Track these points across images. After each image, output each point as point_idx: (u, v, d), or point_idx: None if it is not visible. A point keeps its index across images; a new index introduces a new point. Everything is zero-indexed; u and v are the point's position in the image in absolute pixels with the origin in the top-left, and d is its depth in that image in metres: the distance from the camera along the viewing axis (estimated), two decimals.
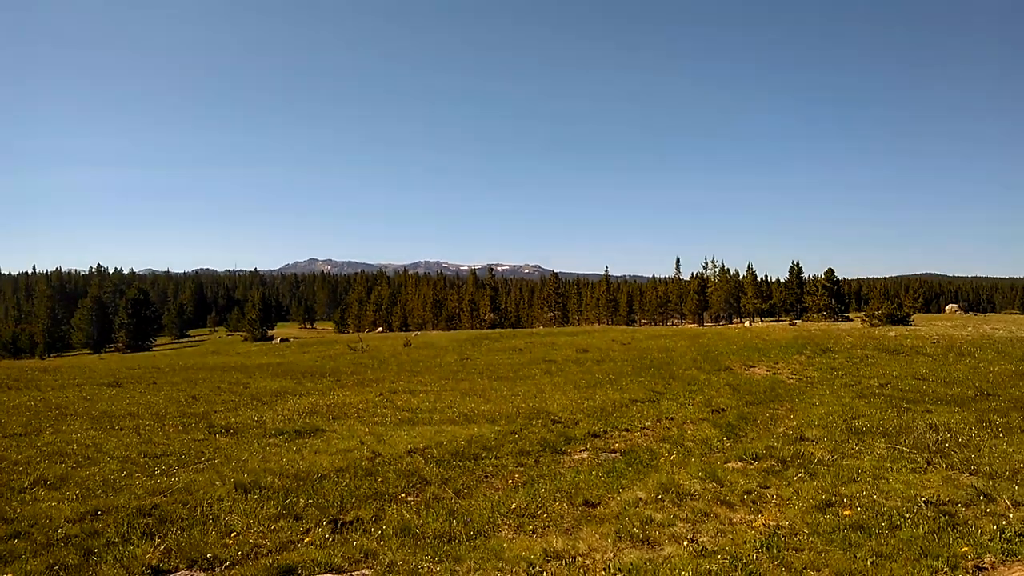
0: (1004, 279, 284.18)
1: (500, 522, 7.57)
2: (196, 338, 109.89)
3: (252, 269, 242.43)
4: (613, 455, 11.06)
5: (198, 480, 9.72)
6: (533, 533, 7.21)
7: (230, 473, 10.05)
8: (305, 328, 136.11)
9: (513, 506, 8.07)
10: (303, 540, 7.21)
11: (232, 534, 7.36)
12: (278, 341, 62.48)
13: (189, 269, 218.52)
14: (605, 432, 12.95)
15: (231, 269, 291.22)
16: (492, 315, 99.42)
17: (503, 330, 64.28)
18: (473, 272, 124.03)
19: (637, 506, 7.91)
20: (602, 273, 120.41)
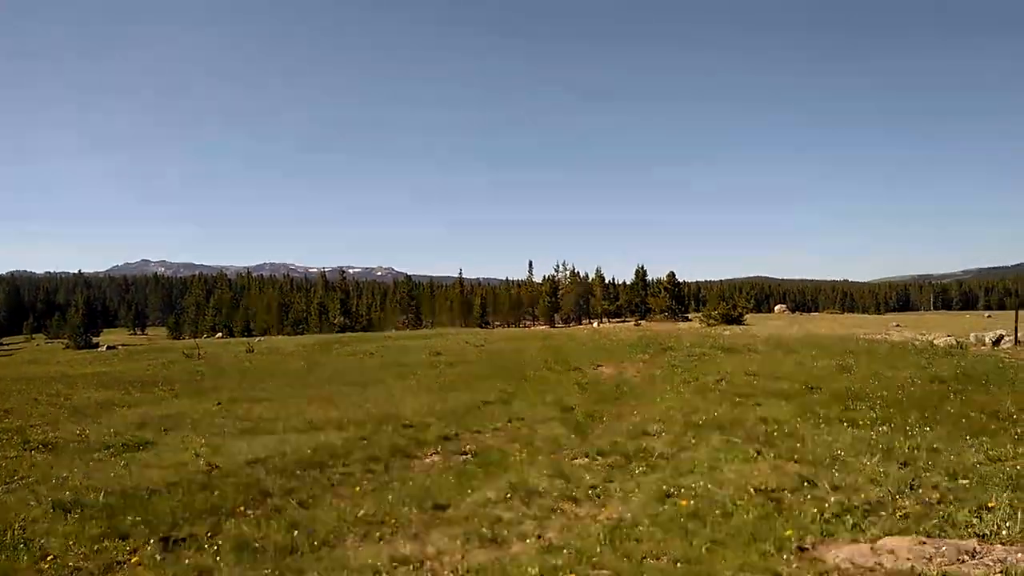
0: (826, 281, 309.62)
1: (346, 531, 7.35)
2: (10, 346, 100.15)
3: (76, 271, 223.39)
4: (464, 457, 11.04)
5: (9, 501, 8.84)
6: (380, 540, 7.05)
7: (48, 492, 9.20)
8: (136, 335, 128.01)
9: (360, 514, 7.85)
10: (130, 560, 6.69)
11: (48, 558, 6.72)
12: (104, 349, 58.10)
13: (3, 271, 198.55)
14: (457, 435, 12.91)
15: (52, 271, 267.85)
16: (343, 319, 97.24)
17: (354, 334, 63.02)
18: (323, 275, 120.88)
19: (487, 507, 7.91)
20: (456, 276, 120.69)
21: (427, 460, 11.03)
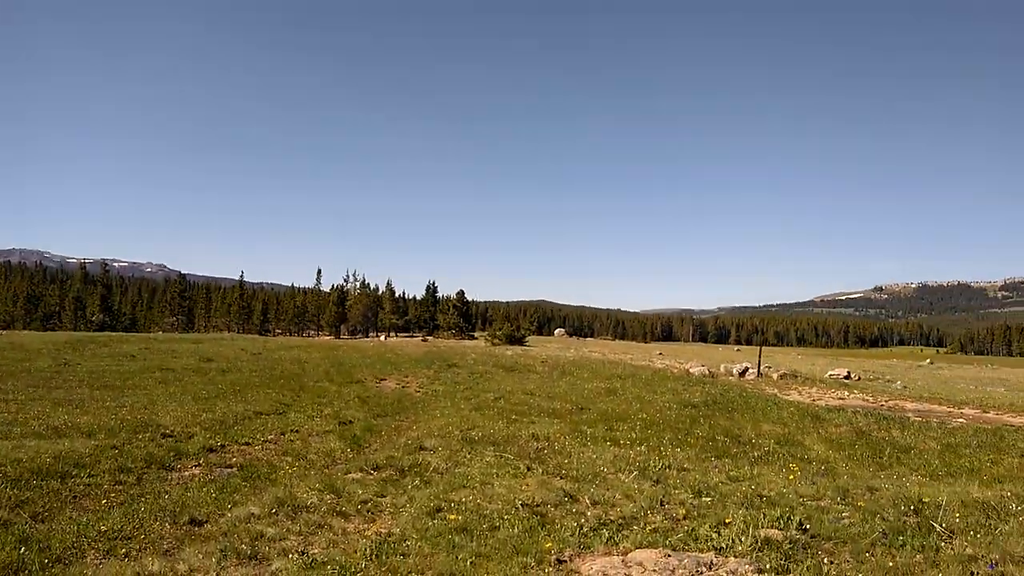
0: (602, 309, 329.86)
1: (87, 547, 6.65)
2: None
3: None
4: (229, 470, 10.43)
5: None
6: (126, 557, 6.45)
7: None
8: None
9: (104, 528, 7.14)
10: None
11: None
12: None
13: None
14: (223, 446, 12.17)
15: None
16: (102, 316, 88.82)
17: (114, 334, 57.70)
18: (83, 265, 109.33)
19: (249, 522, 7.51)
20: (237, 278, 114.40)
21: (187, 472, 10.28)
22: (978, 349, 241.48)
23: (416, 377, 24.58)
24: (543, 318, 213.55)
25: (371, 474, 9.98)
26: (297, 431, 13.94)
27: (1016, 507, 8.06)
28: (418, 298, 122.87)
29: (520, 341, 59.76)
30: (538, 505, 8.14)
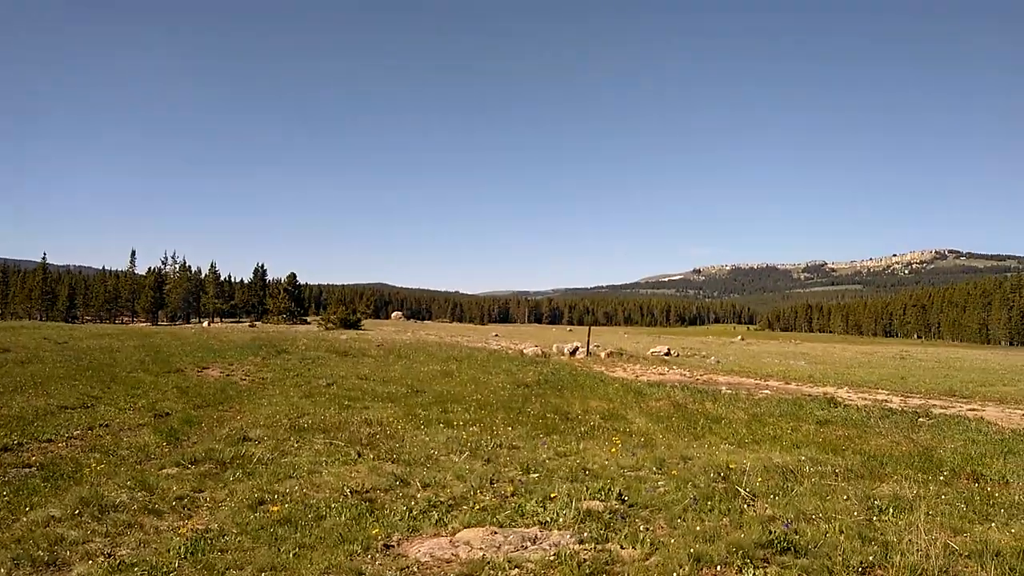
0: (440, 292, 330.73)
1: None
2: None
3: None
4: (28, 470, 9.51)
5: None
6: None
7: None
8: None
9: None
10: None
11: None
12: None
13: None
14: (20, 444, 11.06)
15: None
16: None
17: None
18: None
19: (48, 525, 6.88)
20: (39, 260, 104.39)
21: None
22: (784, 326, 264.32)
23: (242, 365, 23.49)
24: (380, 301, 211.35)
25: (188, 468, 9.44)
26: (107, 425, 12.92)
27: (810, 469, 8.89)
28: (246, 282, 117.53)
29: (355, 325, 58.78)
30: (368, 491, 8.03)
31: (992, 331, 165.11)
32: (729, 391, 19.57)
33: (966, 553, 5.61)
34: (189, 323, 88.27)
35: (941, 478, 8.77)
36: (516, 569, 5.55)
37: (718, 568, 5.38)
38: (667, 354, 39.53)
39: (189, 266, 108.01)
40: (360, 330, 53.40)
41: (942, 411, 16.58)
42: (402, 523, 6.79)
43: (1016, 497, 7.75)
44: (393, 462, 9.70)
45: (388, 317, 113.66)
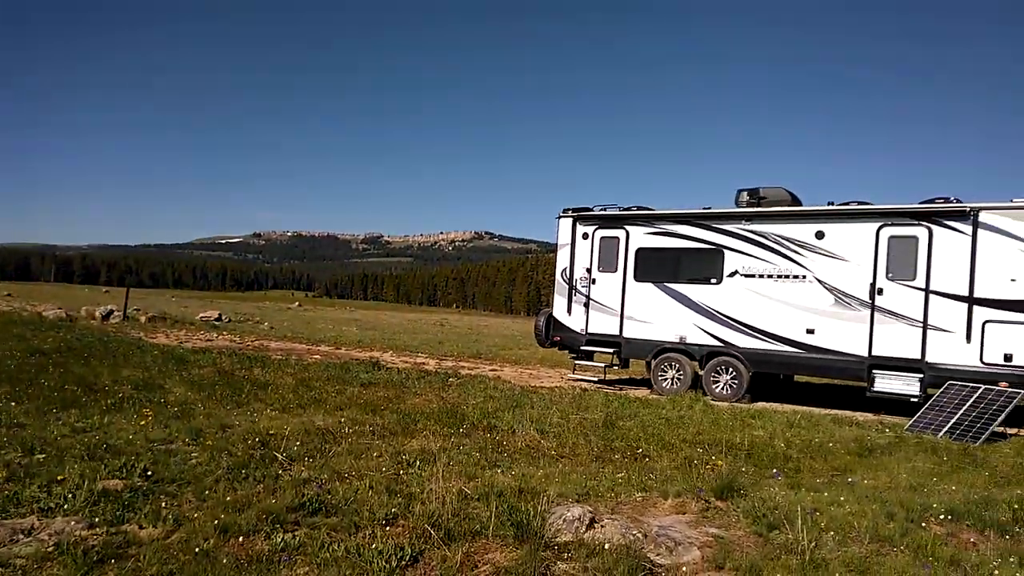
0: None
1: None
2: None
3: None
4: None
5: None
6: None
7: None
8: None
9: None
10: None
11: None
12: None
13: None
14: None
15: None
16: None
17: None
18: None
19: None
20: None
21: None
22: (341, 293, 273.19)
23: None
24: None
25: None
26: None
27: (348, 430, 9.20)
28: None
29: None
30: None
31: (515, 303, 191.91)
32: (279, 356, 19.38)
33: (476, 496, 6.27)
34: None
35: (462, 431, 9.77)
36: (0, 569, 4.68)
37: (246, 536, 5.20)
38: (218, 319, 37.70)
39: None
40: None
41: (469, 372, 18.57)
42: None
43: (519, 444, 9.00)
44: None
45: None
